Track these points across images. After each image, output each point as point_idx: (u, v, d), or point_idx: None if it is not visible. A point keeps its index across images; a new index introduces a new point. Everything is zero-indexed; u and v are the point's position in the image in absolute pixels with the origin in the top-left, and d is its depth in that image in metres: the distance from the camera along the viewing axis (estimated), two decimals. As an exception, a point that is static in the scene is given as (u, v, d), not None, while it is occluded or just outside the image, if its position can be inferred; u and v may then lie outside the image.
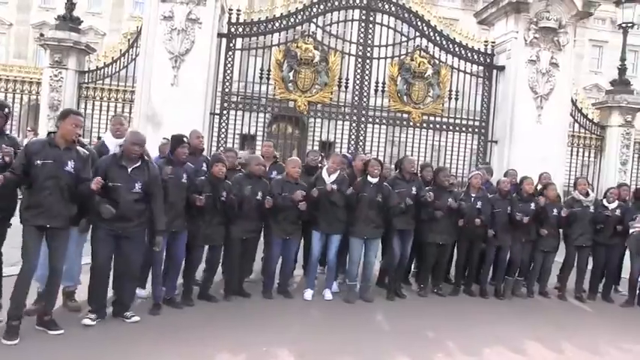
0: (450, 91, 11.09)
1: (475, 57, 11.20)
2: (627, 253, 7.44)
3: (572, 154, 12.29)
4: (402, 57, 10.98)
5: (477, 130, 11.24)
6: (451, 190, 6.95)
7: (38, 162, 4.35)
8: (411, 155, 10.80)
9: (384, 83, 10.86)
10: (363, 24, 10.89)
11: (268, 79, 10.61)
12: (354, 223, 6.30)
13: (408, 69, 10.80)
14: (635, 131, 12.51)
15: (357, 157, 7.15)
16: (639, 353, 3.74)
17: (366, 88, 10.79)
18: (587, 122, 12.18)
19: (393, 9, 10.88)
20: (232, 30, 10.47)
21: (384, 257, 6.99)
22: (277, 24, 10.65)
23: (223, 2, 10.53)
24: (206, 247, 5.95)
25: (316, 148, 11.69)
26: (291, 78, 10.57)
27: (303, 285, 6.71)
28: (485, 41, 11.38)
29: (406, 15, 10.93)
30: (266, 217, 6.23)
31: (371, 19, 10.83)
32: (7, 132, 4.95)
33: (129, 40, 10.36)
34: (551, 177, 8.34)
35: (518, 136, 10.64)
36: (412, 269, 7.59)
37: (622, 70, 12.78)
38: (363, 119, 10.80)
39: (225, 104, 10.47)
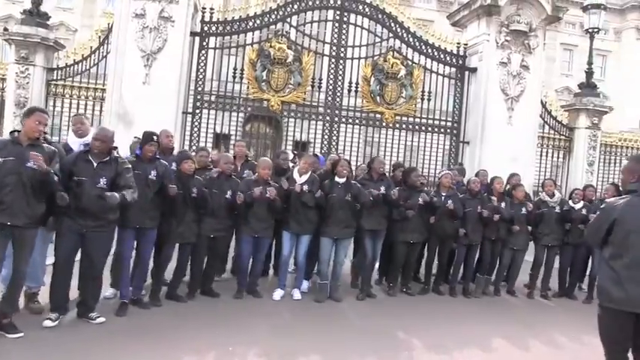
0: (423, 92, 11.17)
1: (448, 58, 11.31)
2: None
3: (543, 155, 12.45)
4: (375, 58, 11.03)
5: (449, 130, 11.36)
6: (422, 189, 7.01)
7: (0, 160, 4.29)
8: (385, 155, 10.92)
9: (357, 84, 10.89)
10: (337, 24, 10.91)
11: (242, 78, 10.56)
12: (324, 223, 6.33)
13: (382, 70, 10.85)
14: (601, 133, 12.74)
15: (328, 158, 7.18)
16: (597, 346, 3.85)
17: (339, 89, 10.81)
18: (556, 124, 12.37)
19: (367, 10, 10.91)
20: (205, 29, 10.39)
21: (355, 257, 7.02)
22: (251, 23, 10.59)
23: (196, 0, 10.45)
24: (176, 245, 5.91)
25: (290, 147, 11.73)
26: (265, 77, 10.53)
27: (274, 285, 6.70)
28: (458, 43, 11.50)
29: (380, 16, 10.98)
30: (236, 215, 6.22)
31: (345, 19, 10.85)
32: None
33: (99, 37, 10.19)
34: (522, 177, 8.47)
35: (489, 136, 10.79)
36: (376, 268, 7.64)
37: (589, 73, 13.00)
38: (336, 119, 10.83)
39: (198, 103, 10.40)
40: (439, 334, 5.66)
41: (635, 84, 39.93)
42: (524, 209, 7.35)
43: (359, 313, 6.22)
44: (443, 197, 7.06)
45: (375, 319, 6.05)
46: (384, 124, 11.06)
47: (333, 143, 10.76)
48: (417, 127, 11.31)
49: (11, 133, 4.62)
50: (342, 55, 10.86)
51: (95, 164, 4.84)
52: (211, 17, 10.40)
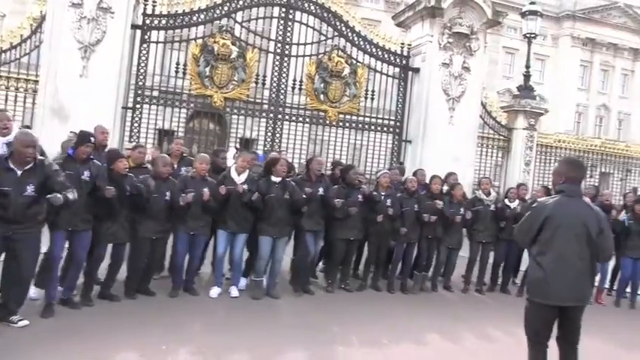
0: (367, 90, 11.28)
1: (392, 58, 11.44)
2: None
3: (484, 155, 12.80)
4: (320, 56, 11.06)
5: (392, 129, 11.51)
6: (360, 187, 7.07)
7: None
8: (329, 153, 10.98)
9: (301, 81, 10.90)
10: (282, 22, 10.87)
11: (184, 73, 10.37)
12: (263, 222, 6.30)
13: (326, 68, 10.90)
14: (537, 134, 13.20)
15: (269, 156, 7.15)
16: (522, 336, 4.12)
17: (283, 86, 10.78)
18: (496, 124, 12.74)
19: (312, 8, 10.91)
20: (147, 22, 10.14)
21: (295, 254, 7.01)
22: (195, 18, 10.40)
23: (138, -8, 10.17)
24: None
25: (234, 144, 11.58)
26: (208, 73, 10.37)
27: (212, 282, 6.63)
28: (402, 43, 11.64)
29: (325, 14, 11.01)
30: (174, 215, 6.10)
31: (290, 17, 10.82)
32: None
33: (32, 25, 9.73)
34: (462, 175, 8.67)
35: (431, 136, 10.99)
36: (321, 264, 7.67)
37: (527, 76, 13.47)
38: (279, 117, 10.79)
39: (139, 98, 10.13)
40: (375, 329, 5.72)
41: (570, 88, 41.76)
42: (462, 211, 7.50)
43: (296, 310, 6.23)
44: (382, 196, 7.14)
45: (312, 316, 6.06)
46: (327, 122, 11.10)
47: (277, 141, 10.72)
48: (360, 125, 11.41)
49: None
50: (286, 52, 10.83)
51: (19, 172, 4.58)
52: (154, 10, 10.15)
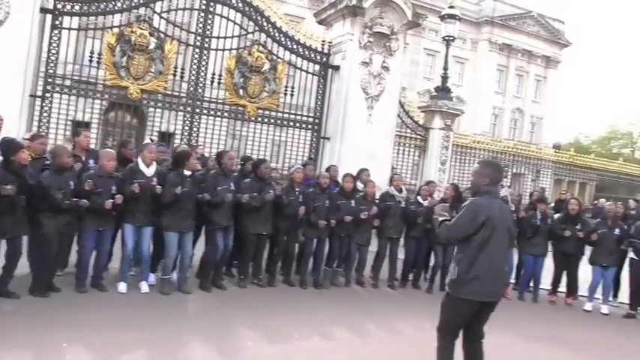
0: (286, 87, 11.29)
1: (312, 55, 11.49)
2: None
3: (402, 153, 13.13)
4: (239, 50, 10.95)
5: (310, 126, 11.59)
6: (272, 181, 7.10)
7: None
8: (250, 149, 10.92)
9: (220, 75, 10.76)
10: (202, 14, 10.69)
11: (99, 63, 9.99)
12: (170, 216, 6.19)
13: (246, 63, 10.81)
14: (453, 134, 13.69)
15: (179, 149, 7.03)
16: (430, 331, 4.27)
17: (202, 80, 10.60)
18: (413, 124, 13.10)
19: (234, 1, 10.75)
20: (59, 6, 9.66)
21: (205, 249, 6.93)
22: (111, 5, 10.01)
23: (48, -26, 9.67)
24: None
25: (155, 138, 11.27)
26: (124, 64, 10.04)
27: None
28: (323, 41, 11.72)
29: (247, 9, 10.89)
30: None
31: (211, 9, 10.64)
32: None
33: None
34: (379, 173, 8.80)
35: (349, 133, 11.13)
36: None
37: (444, 78, 13.94)
38: (197, 110, 10.61)
39: (49, 87, 9.65)
40: (285, 324, 5.74)
41: (487, 91, 43.71)
42: (375, 208, 7.65)
43: (207, 305, 6.17)
44: (297, 192, 7.20)
45: (222, 311, 6.03)
46: (246, 117, 11.03)
47: (194, 135, 10.54)
48: (279, 121, 11.41)
49: None
50: (206, 45, 10.65)
51: None
52: (66, -6, 9.69)
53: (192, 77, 10.57)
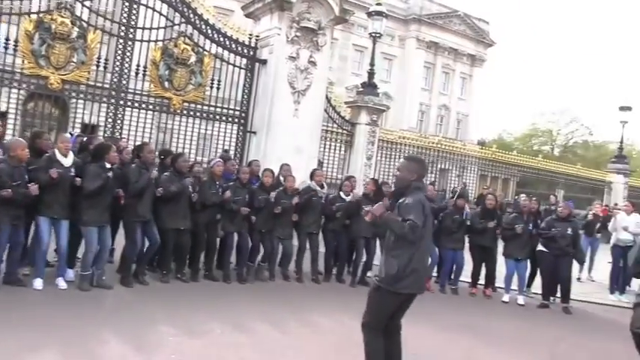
0: (213, 80, 11.24)
1: (239, 49, 11.49)
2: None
3: (328, 148, 13.34)
4: (165, 42, 10.79)
5: (237, 120, 11.59)
6: (189, 175, 7.12)
7: None
8: (176, 142, 10.79)
9: (145, 67, 10.58)
10: (127, 3, 10.45)
11: (15, 50, 9.58)
12: (91, 210, 6.09)
13: (171, 55, 10.68)
14: (379, 130, 14.05)
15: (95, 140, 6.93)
16: (351, 325, 4.40)
17: (126, 71, 10.39)
18: (340, 119, 13.34)
19: (159, -8, 10.62)
20: (-29, -10, 9.21)
21: (125, 244, 6.84)
22: (28, -10, 9.67)
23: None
24: None
25: (77, 130, 10.93)
26: (44, 53, 9.68)
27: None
28: (250, 34, 11.73)
29: (173, 0, 10.76)
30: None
31: (136, -1, 10.45)
32: None
33: None
34: (305, 168, 8.87)
35: (275, 127, 11.21)
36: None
37: (371, 74, 14.25)
38: (122, 102, 10.39)
39: (-42, 74, 9.20)
40: (206, 319, 5.71)
41: (415, 88, 44.88)
42: (295, 200, 7.77)
43: (128, 301, 6.09)
44: (217, 185, 7.25)
45: (143, 307, 5.95)
46: (172, 110, 10.90)
47: (118, 127, 10.32)
48: (205, 114, 11.34)
49: None
50: (130, 36, 10.44)
51: None
52: (-24, -23, 9.23)
53: (117, 68, 10.35)
